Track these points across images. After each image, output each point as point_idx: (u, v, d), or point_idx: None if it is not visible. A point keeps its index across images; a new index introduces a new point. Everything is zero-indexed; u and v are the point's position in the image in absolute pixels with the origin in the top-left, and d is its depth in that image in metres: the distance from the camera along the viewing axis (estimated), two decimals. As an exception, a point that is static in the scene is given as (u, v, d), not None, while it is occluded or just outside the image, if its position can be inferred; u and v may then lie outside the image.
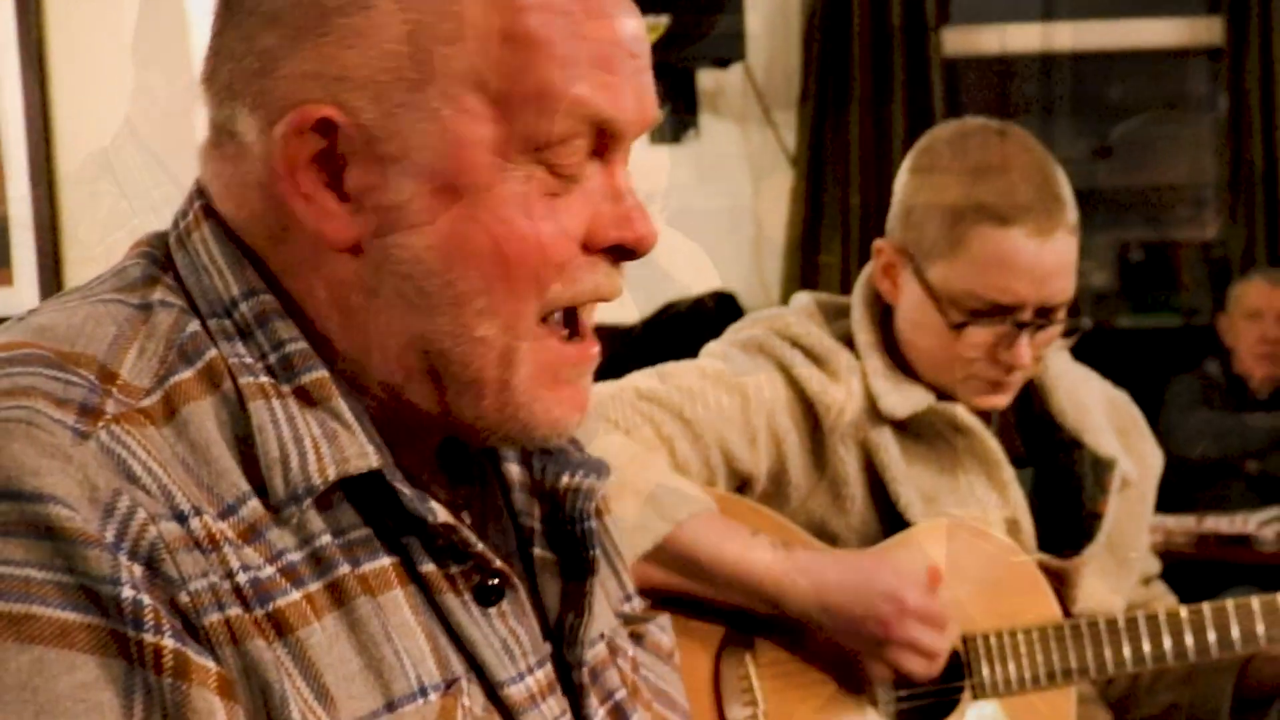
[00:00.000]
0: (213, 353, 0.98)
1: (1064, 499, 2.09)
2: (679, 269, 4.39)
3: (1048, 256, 1.90)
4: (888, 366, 2.00)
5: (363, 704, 0.95)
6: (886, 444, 1.97)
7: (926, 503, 1.98)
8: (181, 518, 0.91)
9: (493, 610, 1.03)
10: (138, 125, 3.81)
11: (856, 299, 2.05)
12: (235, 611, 0.91)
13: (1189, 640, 1.97)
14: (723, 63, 4.47)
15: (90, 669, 0.86)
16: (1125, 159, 8.92)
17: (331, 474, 0.97)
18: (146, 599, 0.88)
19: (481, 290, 0.99)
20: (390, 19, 0.97)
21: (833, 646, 1.90)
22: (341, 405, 0.99)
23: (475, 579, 1.02)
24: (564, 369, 1.04)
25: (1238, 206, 4.71)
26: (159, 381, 0.96)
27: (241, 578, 0.92)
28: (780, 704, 1.91)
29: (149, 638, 0.87)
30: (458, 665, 1.01)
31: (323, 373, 1.00)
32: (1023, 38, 5.02)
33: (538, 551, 1.13)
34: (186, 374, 0.97)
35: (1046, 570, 2.02)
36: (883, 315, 2.04)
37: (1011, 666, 1.96)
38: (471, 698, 1.00)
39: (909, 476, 1.98)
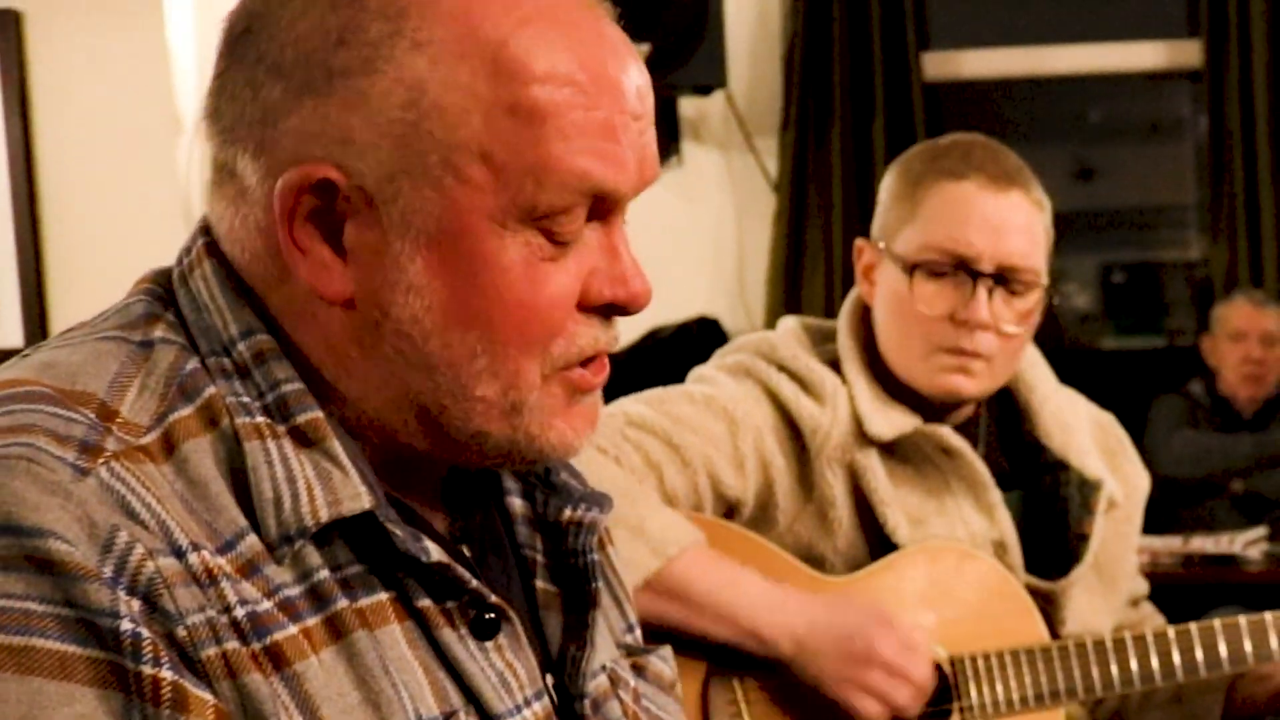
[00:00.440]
0: (211, 390, 0.99)
1: (1051, 521, 2.09)
2: (663, 294, 4.40)
3: (1003, 208, 1.93)
4: (874, 390, 2.00)
5: None
6: (873, 466, 1.97)
7: (914, 525, 1.98)
8: (180, 553, 0.91)
9: (490, 644, 1.03)
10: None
11: (842, 323, 2.06)
12: (233, 645, 0.92)
13: (1177, 660, 1.97)
14: (704, 90, 4.49)
15: (89, 701, 0.87)
16: (1107, 181, 8.97)
17: (324, 515, 0.97)
18: (145, 632, 0.88)
19: (480, 352, 1.00)
20: (395, 85, 0.97)
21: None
22: (335, 446, 1.00)
23: (472, 613, 1.03)
24: (575, 394, 1.05)
25: (1219, 228, 4.73)
26: (159, 419, 0.97)
27: (239, 612, 0.92)
28: None
29: (147, 670, 0.88)
30: (455, 699, 1.01)
31: (317, 414, 1.00)
32: (1003, 62, 5.04)
33: (540, 584, 1.13)
34: (186, 411, 0.98)
35: (1034, 592, 2.02)
36: (868, 340, 2.04)
37: (1000, 688, 1.96)
38: None
39: (896, 499, 1.98)
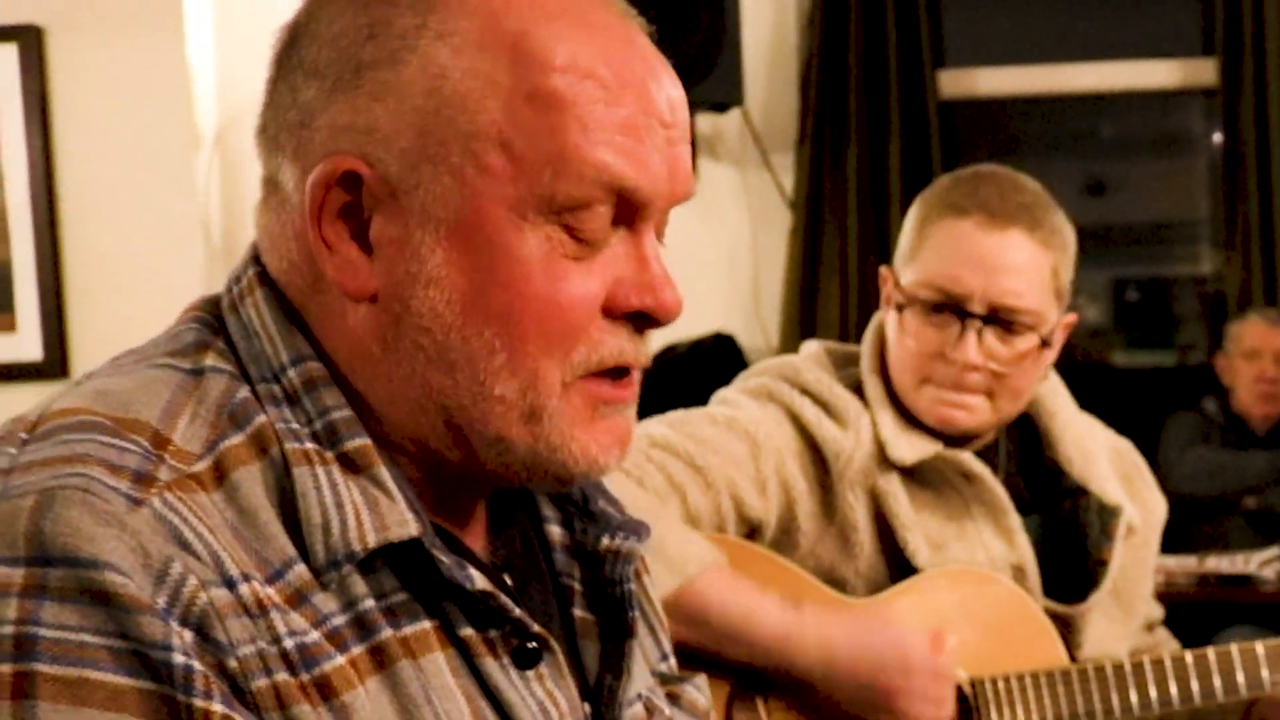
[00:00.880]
0: (262, 418, 1.00)
1: (1070, 546, 2.10)
2: (679, 311, 4.40)
3: (998, 247, 1.93)
4: (895, 415, 2.01)
5: None
6: (895, 490, 1.99)
7: (934, 549, 1.99)
8: (231, 583, 0.92)
9: (530, 673, 1.04)
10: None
11: (865, 348, 2.07)
12: (282, 677, 0.93)
13: (1194, 685, 1.98)
14: (721, 107, 4.49)
15: None
16: (1119, 195, 8.96)
17: (372, 541, 0.98)
18: (197, 664, 0.89)
19: (499, 348, 1.00)
20: (419, 74, 0.98)
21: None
22: (383, 473, 1.00)
23: (514, 642, 1.03)
24: (601, 406, 1.04)
25: (1234, 244, 4.73)
26: (210, 447, 0.97)
27: (288, 643, 0.93)
28: None
29: (199, 702, 0.89)
30: None
31: (365, 440, 1.01)
32: (1018, 80, 5.05)
33: (578, 612, 1.14)
34: (237, 439, 0.98)
35: (1052, 616, 2.03)
36: (887, 365, 2.06)
37: (1020, 711, 1.97)
38: None
39: (917, 523, 1.99)
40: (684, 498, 1.93)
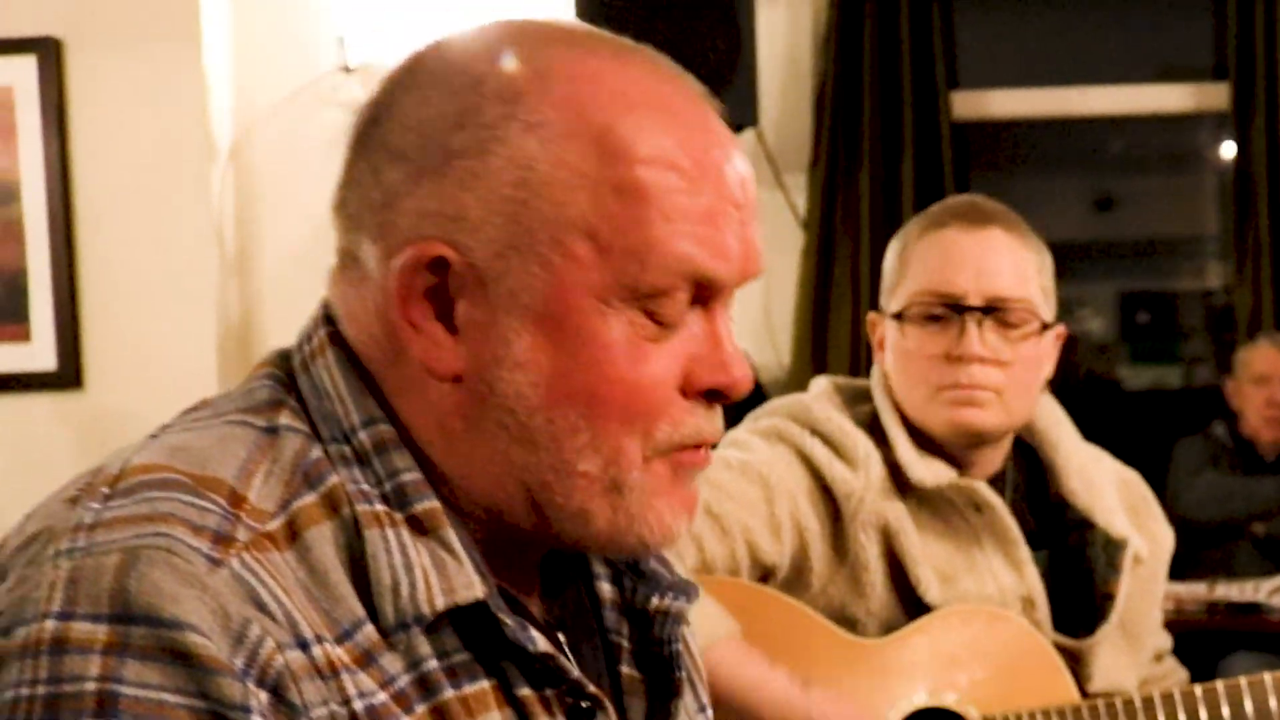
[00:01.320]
0: (334, 479, 1.02)
1: (1077, 579, 2.11)
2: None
3: (983, 244, 1.99)
4: (912, 441, 2.03)
5: None
6: (903, 523, 2.00)
7: (944, 582, 2.01)
8: (304, 645, 0.94)
9: None
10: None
11: (875, 385, 2.09)
12: None
13: (1204, 717, 2.00)
14: (735, 128, 4.47)
15: None
16: (1126, 211, 8.97)
17: (440, 604, 1.00)
18: None
19: (582, 428, 1.02)
20: (507, 164, 1.00)
21: None
22: (451, 535, 1.02)
23: (569, 701, 1.05)
24: (682, 472, 1.07)
25: (1244, 268, 4.73)
26: (283, 506, 0.99)
27: (358, 705, 0.96)
28: None
29: None
30: None
31: (434, 503, 1.03)
32: (1031, 102, 5.06)
33: (625, 670, 1.15)
34: (310, 498, 1.00)
35: (1061, 650, 2.04)
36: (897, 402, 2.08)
37: (1030, 747, 1.98)
38: None
39: (927, 556, 2.00)
40: (700, 546, 1.94)
